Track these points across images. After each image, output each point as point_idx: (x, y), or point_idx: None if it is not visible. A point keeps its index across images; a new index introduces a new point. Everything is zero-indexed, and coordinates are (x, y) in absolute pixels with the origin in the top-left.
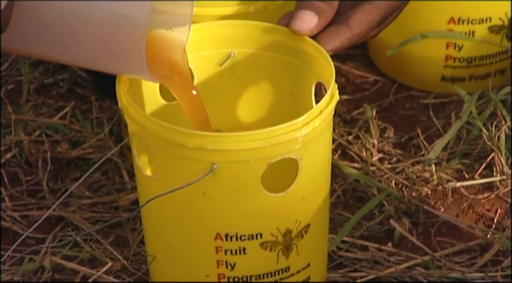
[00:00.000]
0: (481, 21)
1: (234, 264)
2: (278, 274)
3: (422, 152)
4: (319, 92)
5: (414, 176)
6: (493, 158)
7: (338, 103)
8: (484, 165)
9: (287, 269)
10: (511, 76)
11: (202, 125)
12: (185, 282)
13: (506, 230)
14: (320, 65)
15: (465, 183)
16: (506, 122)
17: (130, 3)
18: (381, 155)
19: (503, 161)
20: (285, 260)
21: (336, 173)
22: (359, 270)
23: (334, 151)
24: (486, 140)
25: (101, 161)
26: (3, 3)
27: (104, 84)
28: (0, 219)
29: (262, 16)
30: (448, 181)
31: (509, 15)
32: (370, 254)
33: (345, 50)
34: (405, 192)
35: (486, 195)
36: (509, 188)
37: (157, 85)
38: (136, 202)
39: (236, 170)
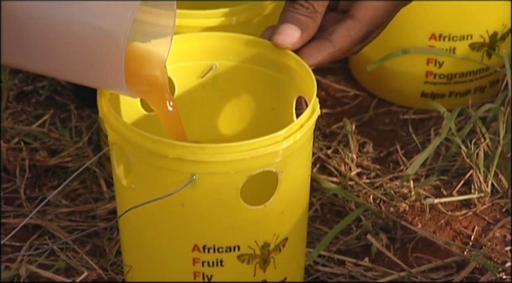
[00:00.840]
0: (462, 38)
1: (211, 276)
2: None
3: (401, 168)
4: (299, 106)
5: (392, 192)
6: (471, 175)
7: (318, 117)
8: (462, 182)
9: (263, 282)
10: (492, 93)
11: (178, 138)
12: None
13: (483, 247)
14: (302, 79)
15: (443, 199)
16: (485, 139)
17: (111, 17)
18: (359, 169)
19: (481, 179)
20: (262, 273)
21: (314, 187)
22: None
23: (313, 164)
24: (465, 157)
25: (79, 170)
26: None
27: (83, 93)
28: None
29: (245, 29)
30: (426, 197)
31: (490, 33)
32: (347, 269)
33: None
34: (383, 208)
35: (463, 212)
36: (486, 205)
37: None
38: (113, 212)
39: (215, 181)
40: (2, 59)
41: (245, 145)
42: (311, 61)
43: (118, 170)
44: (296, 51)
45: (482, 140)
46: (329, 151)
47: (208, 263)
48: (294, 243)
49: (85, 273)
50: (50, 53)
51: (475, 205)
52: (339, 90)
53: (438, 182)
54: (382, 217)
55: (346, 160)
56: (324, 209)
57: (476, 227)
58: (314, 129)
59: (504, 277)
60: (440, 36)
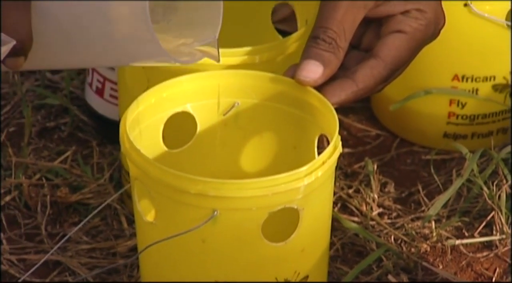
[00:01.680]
0: (485, 79)
1: None
2: None
3: (422, 208)
4: (320, 145)
5: (414, 232)
6: (493, 216)
7: (340, 155)
8: (484, 223)
9: None
10: None
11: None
12: None
13: None
14: (324, 117)
15: (465, 241)
16: (507, 181)
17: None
18: (381, 209)
19: (503, 220)
20: None
21: (335, 226)
22: None
23: (334, 204)
24: (487, 199)
25: (100, 207)
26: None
27: (106, 129)
28: None
29: (267, 68)
30: (448, 238)
31: None
32: None
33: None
34: (404, 248)
35: (485, 253)
36: (508, 247)
37: (160, 132)
38: (134, 249)
39: (236, 217)
40: (50, 62)
41: (267, 181)
42: (334, 100)
43: (140, 206)
44: (319, 90)
45: (504, 181)
46: (350, 191)
47: None
48: (314, 281)
49: None
50: (88, 41)
51: (497, 247)
52: (361, 130)
53: (459, 223)
54: (403, 258)
55: (368, 200)
56: (345, 248)
57: (497, 269)
58: (336, 168)
59: None
60: (463, 77)
